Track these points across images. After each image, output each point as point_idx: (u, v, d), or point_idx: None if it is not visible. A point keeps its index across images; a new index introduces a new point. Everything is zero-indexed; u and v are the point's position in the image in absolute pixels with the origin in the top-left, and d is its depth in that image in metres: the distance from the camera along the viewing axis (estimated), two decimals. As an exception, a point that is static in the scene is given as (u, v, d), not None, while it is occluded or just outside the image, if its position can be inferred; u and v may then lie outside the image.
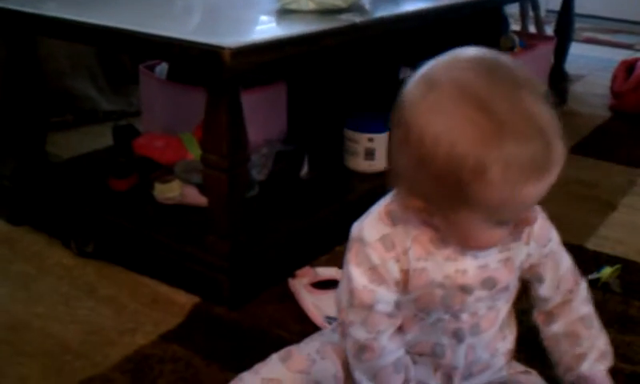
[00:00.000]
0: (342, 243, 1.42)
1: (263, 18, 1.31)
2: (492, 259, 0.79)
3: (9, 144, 1.50)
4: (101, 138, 1.79)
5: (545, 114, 0.66)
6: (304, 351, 0.88)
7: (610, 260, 1.39)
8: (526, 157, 0.64)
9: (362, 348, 0.79)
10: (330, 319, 1.14)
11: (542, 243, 0.84)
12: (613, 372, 0.89)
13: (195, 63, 1.11)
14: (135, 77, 1.80)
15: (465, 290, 0.79)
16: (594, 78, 2.86)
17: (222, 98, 1.09)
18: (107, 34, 1.18)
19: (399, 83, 1.91)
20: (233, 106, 1.09)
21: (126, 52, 2.04)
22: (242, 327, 1.15)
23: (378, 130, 1.53)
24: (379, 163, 1.55)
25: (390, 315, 0.78)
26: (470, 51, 0.70)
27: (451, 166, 0.65)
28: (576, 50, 2.81)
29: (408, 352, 0.84)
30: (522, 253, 0.82)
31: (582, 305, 0.88)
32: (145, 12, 1.30)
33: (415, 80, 0.70)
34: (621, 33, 3.99)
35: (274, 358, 0.89)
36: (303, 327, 1.15)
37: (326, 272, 1.29)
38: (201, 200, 1.27)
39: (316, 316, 1.16)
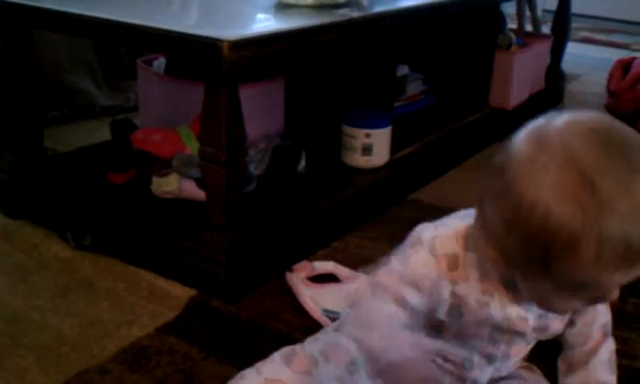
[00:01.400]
0: (339, 238, 1.45)
1: (261, 12, 1.31)
2: None
3: (6, 138, 1.50)
4: (98, 132, 1.79)
5: None
6: (307, 351, 0.87)
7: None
8: (622, 242, 0.61)
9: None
10: (327, 312, 1.15)
11: None
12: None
13: (194, 56, 1.11)
14: (133, 72, 1.80)
15: (519, 334, 0.79)
16: (590, 77, 2.87)
17: (220, 90, 1.09)
18: (106, 26, 1.18)
19: (396, 79, 1.93)
20: (231, 99, 1.09)
21: (124, 45, 2.04)
22: (240, 320, 1.16)
23: (376, 125, 1.53)
24: (376, 159, 1.56)
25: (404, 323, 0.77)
26: (589, 117, 0.67)
27: (542, 236, 0.63)
28: (572, 49, 2.82)
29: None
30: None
31: (604, 368, 0.88)
32: (143, 5, 1.30)
33: (527, 134, 0.67)
34: (617, 33, 4.00)
35: (277, 357, 0.87)
36: (301, 320, 1.15)
37: (323, 266, 1.30)
38: (198, 194, 1.27)
39: (313, 309, 1.16)
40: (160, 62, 1.61)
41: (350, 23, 1.29)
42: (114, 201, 1.35)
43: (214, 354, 1.06)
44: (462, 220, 0.77)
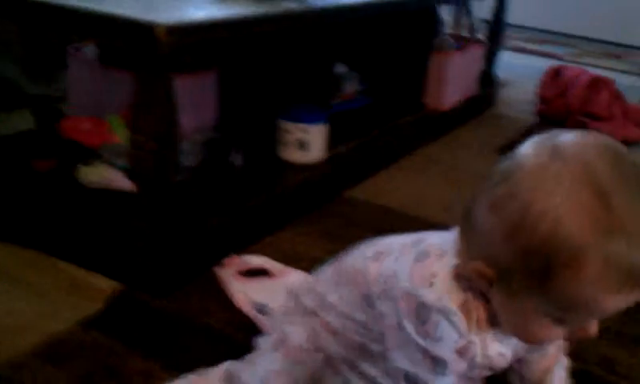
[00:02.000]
0: (273, 233, 1.42)
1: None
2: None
3: None
4: (24, 121, 1.71)
5: None
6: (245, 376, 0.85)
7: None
8: (628, 264, 0.59)
9: None
10: (257, 305, 1.12)
11: None
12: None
13: (128, 41, 1.07)
14: (63, 62, 1.73)
15: (494, 369, 0.77)
16: (522, 84, 2.93)
17: (153, 76, 1.05)
18: (31, 8, 1.13)
19: (334, 77, 1.92)
20: (166, 86, 1.06)
21: (52, 29, 1.96)
22: (167, 315, 1.12)
23: (312, 120, 1.52)
24: (312, 155, 1.54)
25: None
26: (600, 136, 0.65)
27: (547, 246, 0.60)
28: (505, 57, 2.88)
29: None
30: None
31: (556, 355, 0.88)
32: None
33: (538, 143, 0.65)
34: (548, 43, 4.11)
35: None
36: (231, 315, 1.12)
37: (255, 261, 1.27)
38: (127, 185, 1.23)
39: (244, 303, 1.13)
40: (91, 50, 1.56)
41: (290, 15, 1.27)
42: (39, 190, 1.29)
43: (139, 349, 1.03)
44: (440, 262, 0.71)
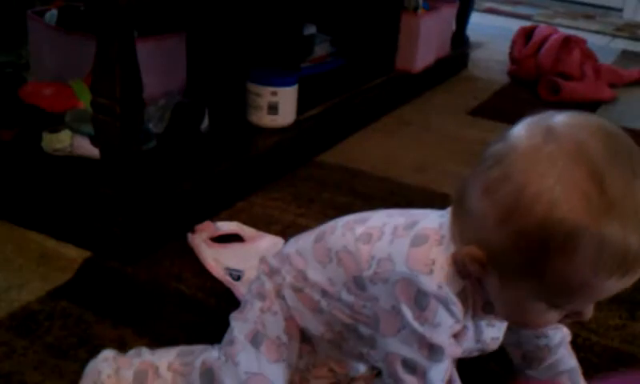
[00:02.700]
0: (244, 198, 1.41)
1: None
2: None
3: None
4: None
5: None
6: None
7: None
8: (623, 247, 0.58)
9: None
10: (230, 270, 1.11)
11: None
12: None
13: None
14: (24, 28, 1.68)
15: (485, 351, 0.77)
16: (494, 45, 2.93)
17: (114, 36, 1.02)
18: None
19: (303, 38, 1.89)
20: (126, 45, 1.03)
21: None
22: (138, 282, 1.10)
23: (282, 83, 1.50)
24: (282, 118, 1.52)
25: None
26: (593, 117, 0.64)
27: (542, 228, 0.59)
28: (477, 19, 2.87)
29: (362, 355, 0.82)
30: None
31: (565, 355, 0.86)
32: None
33: (530, 124, 0.64)
34: (521, 5, 4.11)
35: None
36: (202, 280, 1.11)
37: (227, 226, 1.26)
38: (92, 151, 1.20)
39: (215, 269, 1.12)
40: (52, 14, 1.51)
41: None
42: (2, 159, 1.26)
43: (110, 317, 1.01)
44: (436, 247, 0.70)
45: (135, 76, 1.06)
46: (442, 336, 0.68)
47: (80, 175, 1.20)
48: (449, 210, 0.71)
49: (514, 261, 0.62)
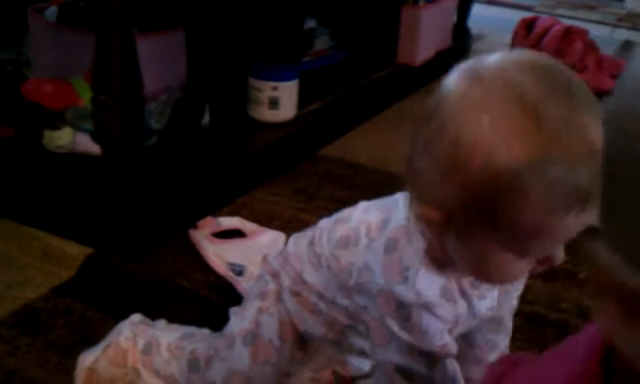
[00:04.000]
0: (245, 194, 1.41)
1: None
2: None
3: None
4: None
5: (599, 137, 0.54)
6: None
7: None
8: (573, 182, 0.54)
9: None
10: (232, 265, 1.11)
11: None
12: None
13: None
14: (24, 25, 1.68)
15: (480, 323, 0.76)
16: (495, 37, 2.91)
17: (114, 32, 1.02)
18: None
19: (304, 32, 1.89)
20: (126, 41, 1.03)
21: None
22: (140, 278, 1.11)
23: (283, 78, 1.50)
24: (283, 113, 1.52)
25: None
26: (525, 54, 0.60)
27: (485, 179, 0.55)
28: (478, 10, 2.86)
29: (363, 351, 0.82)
30: None
31: (506, 337, 0.86)
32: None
33: (459, 71, 0.60)
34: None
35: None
36: (205, 276, 1.12)
37: (229, 222, 1.26)
38: (93, 148, 1.20)
39: (218, 265, 1.13)
40: (52, 11, 1.51)
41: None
42: (3, 156, 1.26)
43: (113, 313, 1.01)
44: (411, 248, 0.67)
45: (135, 72, 1.06)
46: (433, 341, 0.66)
47: (81, 172, 1.20)
48: None
49: (466, 215, 0.58)
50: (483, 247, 0.61)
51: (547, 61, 0.59)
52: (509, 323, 0.85)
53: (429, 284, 0.65)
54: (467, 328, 0.75)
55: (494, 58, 0.60)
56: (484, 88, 0.57)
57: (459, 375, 0.72)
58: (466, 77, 0.59)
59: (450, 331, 0.70)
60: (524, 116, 0.55)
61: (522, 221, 0.57)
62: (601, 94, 2.28)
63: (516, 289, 0.81)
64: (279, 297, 0.81)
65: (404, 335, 0.66)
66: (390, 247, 0.68)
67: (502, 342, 0.85)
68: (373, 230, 0.71)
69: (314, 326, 0.79)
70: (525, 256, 0.61)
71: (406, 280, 0.65)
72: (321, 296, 0.77)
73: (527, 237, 0.58)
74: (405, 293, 0.65)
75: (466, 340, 0.82)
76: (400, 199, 0.71)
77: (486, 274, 0.65)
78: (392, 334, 0.67)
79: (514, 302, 0.83)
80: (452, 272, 0.67)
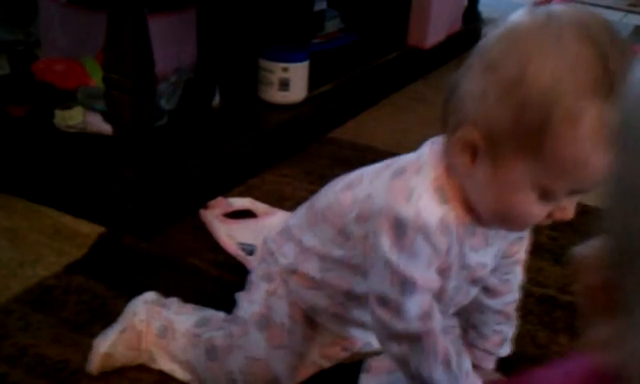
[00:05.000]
0: (256, 175, 1.41)
1: None
2: (501, 246, 0.76)
3: None
4: (-2, 67, 1.67)
5: None
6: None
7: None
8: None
9: (419, 337, 0.69)
10: (243, 245, 1.12)
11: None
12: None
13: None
14: (34, 7, 1.68)
15: (476, 281, 0.75)
16: (506, 21, 2.89)
17: (125, 11, 1.02)
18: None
19: (314, 14, 1.88)
20: (138, 20, 1.02)
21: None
22: (152, 256, 1.11)
23: (293, 59, 1.49)
24: (294, 94, 1.52)
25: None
26: (587, 8, 0.64)
27: (546, 99, 0.58)
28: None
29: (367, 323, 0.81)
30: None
31: (518, 288, 0.86)
32: None
33: (530, 10, 0.63)
34: (531, -20, 4.05)
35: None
36: (215, 255, 1.12)
37: (240, 202, 1.26)
38: (104, 128, 1.20)
39: (229, 245, 1.13)
40: (63, -9, 1.51)
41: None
42: (15, 135, 1.26)
43: (125, 292, 1.01)
44: (421, 176, 0.68)
45: (147, 51, 1.06)
46: (418, 268, 0.67)
47: (93, 151, 1.21)
48: (425, 145, 0.71)
49: (512, 137, 0.61)
50: (513, 180, 0.62)
51: (605, 18, 0.63)
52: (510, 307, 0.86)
53: (430, 209, 0.66)
54: (458, 291, 0.74)
55: (564, 5, 0.63)
56: (560, 23, 0.60)
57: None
58: (541, 13, 0.62)
59: (442, 276, 0.69)
60: (595, 54, 0.58)
61: (565, 152, 0.59)
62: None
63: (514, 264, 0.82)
64: (282, 277, 0.82)
65: (392, 254, 0.66)
66: (398, 172, 0.70)
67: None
68: (380, 169, 0.74)
69: (316, 302, 0.80)
70: (549, 199, 0.63)
71: (409, 199, 0.66)
72: (320, 258, 0.78)
73: (563, 172, 0.61)
74: (405, 210, 0.66)
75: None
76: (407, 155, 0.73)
77: (501, 213, 0.65)
78: (379, 253, 0.67)
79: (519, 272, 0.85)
80: (455, 206, 0.68)
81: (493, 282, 0.84)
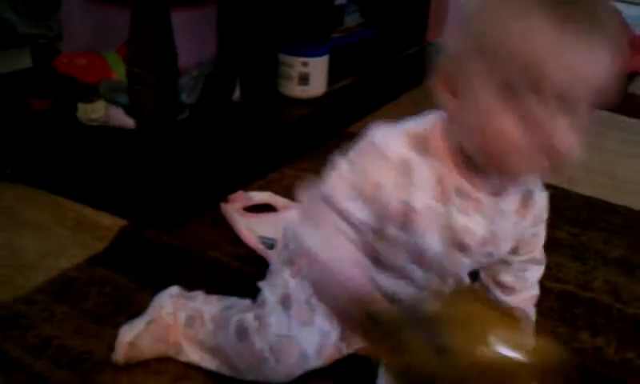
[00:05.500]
0: (276, 170, 1.41)
1: None
2: (501, 223, 0.74)
3: None
4: (18, 61, 1.68)
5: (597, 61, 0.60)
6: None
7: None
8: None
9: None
10: (263, 239, 1.12)
11: (535, 222, 0.79)
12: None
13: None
14: (56, 0, 1.70)
15: (463, 248, 0.74)
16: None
17: (149, 6, 1.02)
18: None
19: (334, 9, 1.87)
20: (161, 14, 1.03)
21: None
22: (173, 249, 1.12)
23: (313, 54, 1.49)
24: (313, 89, 1.52)
25: (353, 238, 0.69)
26: None
27: (493, 9, 0.62)
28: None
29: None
30: (519, 225, 0.77)
31: (537, 284, 0.86)
32: None
33: None
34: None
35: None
36: (236, 248, 1.12)
37: (260, 196, 1.27)
38: (127, 121, 1.21)
39: (249, 238, 1.13)
40: (85, -15, 1.52)
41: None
42: (38, 129, 1.27)
43: (147, 284, 1.02)
44: (416, 124, 0.71)
45: (170, 46, 1.06)
46: (351, 186, 0.67)
47: (115, 145, 1.21)
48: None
49: (470, 50, 0.62)
50: (486, 104, 0.62)
51: None
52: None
53: (396, 145, 0.68)
54: (445, 256, 0.73)
55: None
56: None
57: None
58: None
59: (405, 225, 0.69)
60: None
61: (512, 44, 0.59)
62: (633, 74, 2.26)
63: (509, 239, 0.78)
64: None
65: (340, 158, 0.69)
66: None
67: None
68: None
69: None
70: (525, 116, 0.60)
71: (385, 132, 0.69)
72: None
73: (514, 60, 0.59)
74: (376, 135, 0.69)
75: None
76: None
77: (486, 145, 0.64)
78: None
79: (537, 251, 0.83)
80: (444, 162, 0.69)
81: (507, 278, 0.83)
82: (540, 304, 0.87)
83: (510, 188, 0.73)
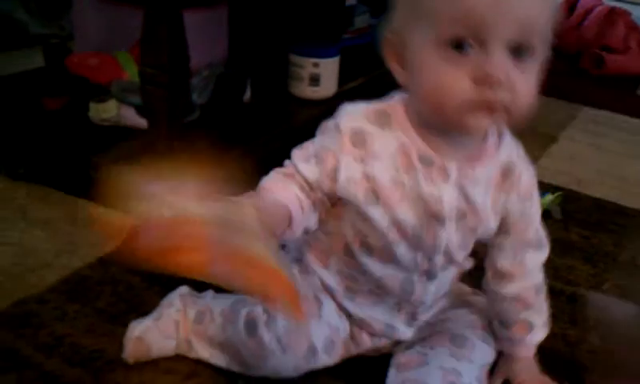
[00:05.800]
0: (286, 169, 1.41)
1: None
2: (473, 192, 0.75)
3: None
4: (31, 60, 1.69)
5: None
6: None
7: (551, 189, 1.42)
8: None
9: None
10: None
11: (522, 199, 0.80)
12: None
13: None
14: (67, 0, 1.71)
15: (438, 218, 0.75)
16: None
17: (162, 7, 1.03)
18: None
19: (344, 10, 1.87)
20: (173, 14, 1.04)
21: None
22: (184, 249, 1.12)
23: (324, 54, 1.50)
24: (324, 90, 1.52)
25: (301, 195, 0.77)
26: None
27: None
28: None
29: (373, 292, 0.83)
30: (501, 199, 0.78)
31: (538, 272, 0.85)
32: None
33: None
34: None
35: None
36: (247, 249, 1.13)
37: (270, 196, 1.27)
38: (138, 121, 1.21)
39: (260, 238, 1.14)
40: (97, -14, 1.53)
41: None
42: (50, 128, 1.28)
43: (158, 283, 1.03)
44: (380, 102, 0.78)
45: (182, 46, 1.07)
46: (308, 152, 0.79)
47: (126, 144, 1.22)
48: None
49: (405, 15, 0.69)
50: (424, 62, 0.68)
51: None
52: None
53: (351, 117, 0.78)
54: (422, 228, 0.75)
55: None
56: None
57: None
58: None
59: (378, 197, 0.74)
60: None
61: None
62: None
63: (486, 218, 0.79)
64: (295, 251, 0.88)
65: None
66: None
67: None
68: None
69: (327, 277, 0.85)
70: (458, 58, 0.65)
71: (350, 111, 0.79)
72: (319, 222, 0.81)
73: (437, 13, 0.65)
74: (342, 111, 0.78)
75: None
76: None
77: (433, 98, 0.68)
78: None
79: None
80: (407, 133, 0.74)
81: (504, 263, 0.84)
82: (551, 306, 0.88)
83: (484, 156, 0.75)
